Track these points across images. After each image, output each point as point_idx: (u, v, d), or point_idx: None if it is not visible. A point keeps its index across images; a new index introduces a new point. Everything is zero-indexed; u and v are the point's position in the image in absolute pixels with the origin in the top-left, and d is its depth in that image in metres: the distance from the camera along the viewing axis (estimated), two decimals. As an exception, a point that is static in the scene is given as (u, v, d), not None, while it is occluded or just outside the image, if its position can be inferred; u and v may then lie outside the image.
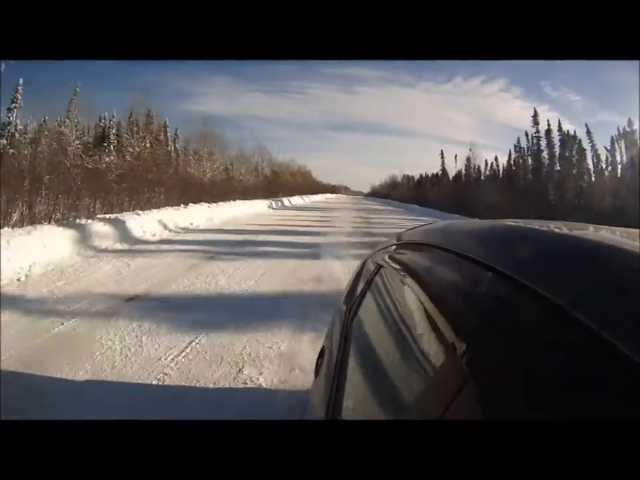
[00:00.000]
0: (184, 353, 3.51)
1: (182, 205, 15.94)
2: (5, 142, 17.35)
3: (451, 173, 52.32)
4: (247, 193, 28.47)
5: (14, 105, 22.74)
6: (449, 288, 0.70)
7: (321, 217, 21.55)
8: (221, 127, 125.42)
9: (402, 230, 3.56)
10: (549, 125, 34.40)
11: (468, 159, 47.00)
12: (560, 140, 33.68)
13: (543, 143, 34.30)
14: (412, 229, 1.38)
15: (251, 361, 3.41)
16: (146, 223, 11.12)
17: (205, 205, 18.25)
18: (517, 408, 0.38)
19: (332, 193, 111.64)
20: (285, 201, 36.59)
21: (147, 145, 22.16)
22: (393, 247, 1.28)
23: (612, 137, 30.58)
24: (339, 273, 6.76)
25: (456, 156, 50.53)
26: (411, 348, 0.76)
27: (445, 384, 0.51)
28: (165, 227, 12.06)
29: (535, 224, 0.97)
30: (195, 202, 17.35)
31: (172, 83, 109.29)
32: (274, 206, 29.71)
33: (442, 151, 55.88)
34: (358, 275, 1.63)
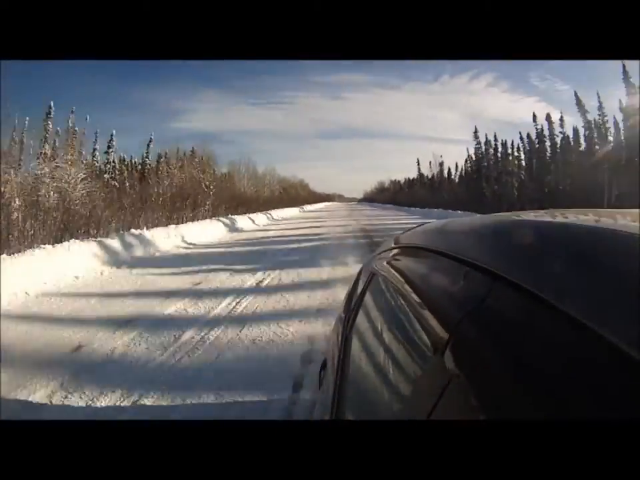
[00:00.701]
0: (319, 222, 21.11)
1: (252, 212, 24.12)
2: (109, 176, 21.06)
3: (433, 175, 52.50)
4: (275, 204, 34.89)
5: (111, 150, 27.65)
6: (442, 293, 0.63)
7: (328, 214, 32.73)
8: (213, 143, 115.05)
9: (371, 216, 27.33)
10: (494, 137, 38.25)
11: (440, 164, 50.41)
12: (495, 147, 38.02)
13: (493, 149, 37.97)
14: (409, 229, 1.27)
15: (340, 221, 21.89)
16: (262, 217, 23.61)
17: (271, 211, 28.12)
18: (516, 410, 0.35)
19: (328, 201, 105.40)
20: (304, 208, 48.28)
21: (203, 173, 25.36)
22: (389, 252, 1.18)
23: (525, 134, 33.73)
24: (341, 218, 23.98)
25: (430, 162, 52.77)
26: (406, 357, 0.70)
27: (437, 392, 0.46)
28: (268, 218, 24.59)
29: (543, 216, 0.87)
30: (250, 212, 24.16)
31: (160, 102, 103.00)
32: (300, 211, 42.52)
33: (418, 159, 57.70)
34: (356, 283, 1.50)
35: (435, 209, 32.14)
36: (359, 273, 1.54)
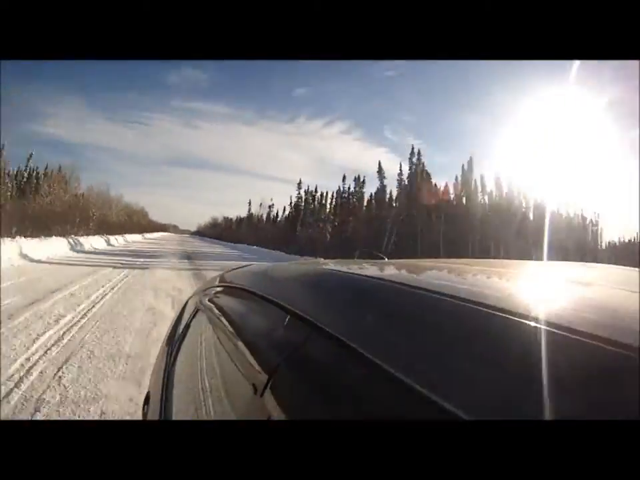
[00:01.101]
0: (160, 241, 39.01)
1: (108, 235, 30.51)
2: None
3: (271, 213, 57.25)
4: (121, 230, 40.60)
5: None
6: (262, 336, 0.66)
7: (165, 242, 41.21)
8: (67, 155, 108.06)
9: (196, 246, 36.89)
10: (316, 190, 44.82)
11: (270, 206, 56.07)
12: (313, 197, 44.66)
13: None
14: (235, 268, 1.32)
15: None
16: (120, 238, 32.91)
17: (123, 236, 35.95)
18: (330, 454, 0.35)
19: (163, 231, 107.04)
20: (145, 235, 55.31)
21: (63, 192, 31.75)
22: (213, 289, 1.20)
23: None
24: (174, 245, 33.16)
25: (261, 204, 58.28)
26: (228, 396, 0.72)
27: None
28: (125, 240, 33.72)
29: (355, 265, 1.01)
30: (105, 234, 30.23)
31: (22, 98, 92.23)
32: (143, 238, 49.11)
33: (250, 200, 63.23)
34: (179, 317, 1.49)
35: (241, 244, 40.53)
36: (183, 307, 1.53)
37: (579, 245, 34.69)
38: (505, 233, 32.84)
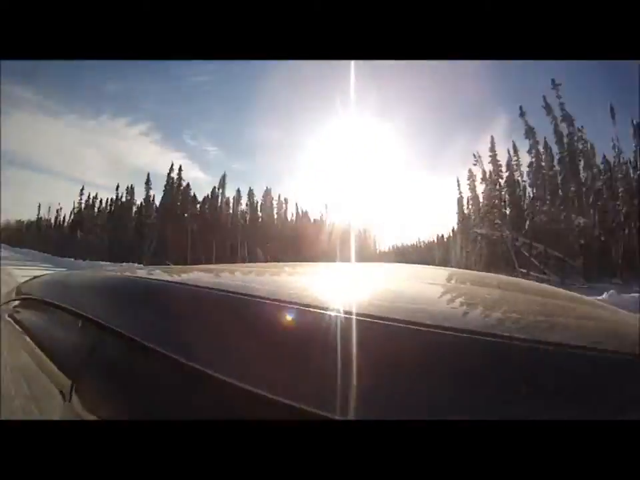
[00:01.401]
0: None
1: None
2: None
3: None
4: None
5: None
6: (62, 344, 0.67)
7: None
8: None
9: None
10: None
11: (57, 210, 52.49)
12: (93, 203, 43.88)
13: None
14: (30, 279, 1.23)
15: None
16: None
17: None
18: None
19: None
20: None
21: None
22: (11, 304, 1.13)
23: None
24: None
25: (49, 208, 55.15)
26: (39, 405, 0.69)
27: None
28: None
29: (144, 271, 1.02)
30: None
31: None
32: None
33: (39, 204, 57.72)
34: None
35: (25, 249, 39.29)
36: None
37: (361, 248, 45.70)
38: (254, 238, 38.96)
